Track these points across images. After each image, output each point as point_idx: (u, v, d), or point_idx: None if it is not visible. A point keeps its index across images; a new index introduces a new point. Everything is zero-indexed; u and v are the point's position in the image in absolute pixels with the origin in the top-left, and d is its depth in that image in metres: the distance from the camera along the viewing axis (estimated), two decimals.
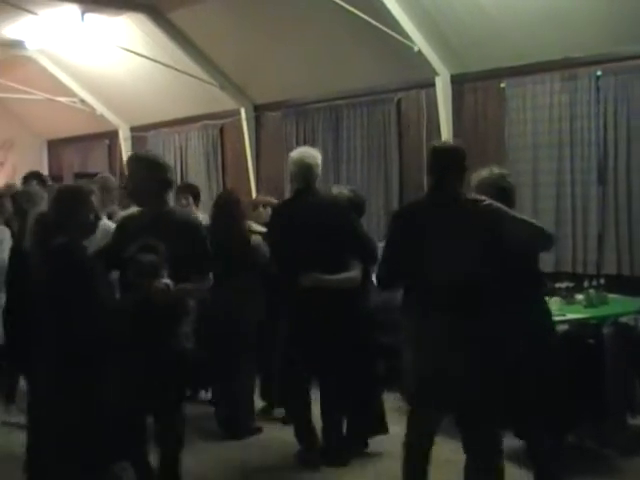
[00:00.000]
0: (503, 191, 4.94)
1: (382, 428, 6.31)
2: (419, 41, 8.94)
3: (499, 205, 4.62)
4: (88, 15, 10.77)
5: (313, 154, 6.24)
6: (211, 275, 5.20)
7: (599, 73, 8.15)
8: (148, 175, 5.09)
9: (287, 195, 11.12)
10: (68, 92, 13.94)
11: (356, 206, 6.36)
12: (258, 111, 12.06)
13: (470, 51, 8.98)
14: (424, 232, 4.64)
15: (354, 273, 5.92)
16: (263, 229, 7.00)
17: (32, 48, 12.84)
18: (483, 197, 4.66)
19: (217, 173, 12.72)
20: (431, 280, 4.56)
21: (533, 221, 4.89)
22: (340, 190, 6.50)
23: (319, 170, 6.17)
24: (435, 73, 9.31)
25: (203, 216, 7.85)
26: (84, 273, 4.73)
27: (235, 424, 6.99)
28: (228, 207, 7.05)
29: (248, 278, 6.89)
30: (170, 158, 13.45)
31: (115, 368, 4.78)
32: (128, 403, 4.86)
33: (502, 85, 8.98)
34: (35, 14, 10.34)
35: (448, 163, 4.72)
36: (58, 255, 4.75)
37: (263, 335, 7.01)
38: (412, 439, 4.82)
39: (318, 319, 5.82)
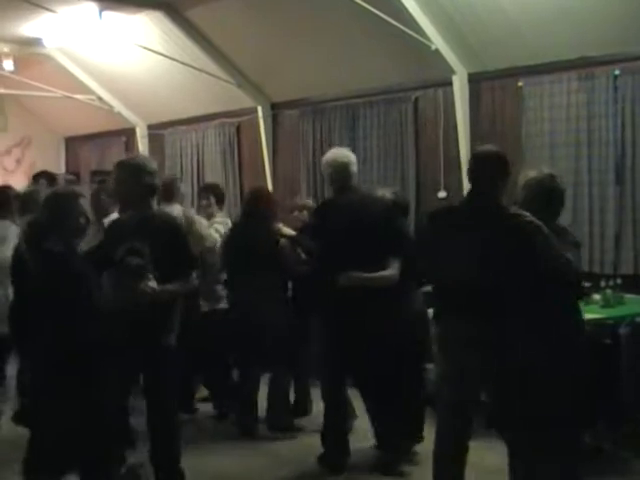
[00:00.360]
0: (550, 192, 4.87)
1: (419, 436, 6.28)
2: (437, 40, 8.92)
3: (538, 225, 4.52)
4: (106, 13, 10.78)
5: (346, 153, 6.30)
6: (194, 275, 5.49)
7: (617, 72, 8.11)
8: (132, 180, 5.37)
9: (303, 194, 11.16)
10: (86, 90, 13.98)
11: (400, 208, 6.37)
12: (275, 109, 12.06)
13: (488, 50, 8.96)
14: (453, 238, 4.62)
15: (391, 272, 5.85)
16: (292, 232, 7.04)
17: (50, 46, 12.86)
18: (525, 213, 4.58)
19: (233, 171, 12.71)
20: (455, 284, 4.55)
21: (566, 256, 4.63)
22: (383, 193, 6.48)
23: (355, 168, 6.21)
24: (452, 72, 9.29)
25: (222, 219, 7.87)
26: (73, 274, 4.83)
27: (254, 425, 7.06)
28: (258, 205, 7.10)
29: (272, 278, 6.93)
30: (187, 156, 13.53)
31: (109, 367, 4.91)
32: (120, 402, 5.13)
33: (519, 84, 8.94)
34: (53, 12, 10.37)
35: (487, 170, 4.68)
36: (49, 257, 4.83)
37: (292, 335, 7.05)
38: (440, 445, 4.80)
39: (358, 320, 5.76)
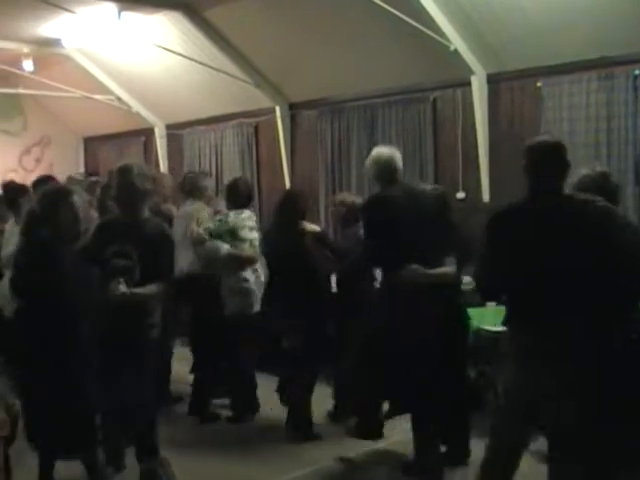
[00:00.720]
0: (604, 190, 4.71)
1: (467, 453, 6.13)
2: (455, 40, 8.90)
3: (612, 207, 4.38)
4: (125, 13, 10.81)
5: (388, 150, 6.29)
6: (169, 281, 5.79)
7: (637, 72, 8.06)
8: (126, 185, 5.67)
9: (321, 194, 11.17)
10: (105, 90, 14.02)
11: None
12: (293, 109, 12.07)
13: (506, 50, 8.93)
14: (529, 238, 4.38)
15: (451, 269, 5.79)
16: (317, 228, 7.04)
17: (69, 46, 12.91)
18: (596, 197, 4.41)
19: (252, 171, 12.71)
20: (537, 290, 4.32)
21: None
22: (424, 187, 6.45)
23: (400, 163, 6.19)
24: (471, 72, 9.27)
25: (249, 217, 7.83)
26: (56, 265, 5.20)
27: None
28: (286, 207, 7.14)
29: (305, 278, 6.97)
30: (205, 156, 13.56)
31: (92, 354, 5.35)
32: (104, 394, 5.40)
33: (538, 84, 8.90)
34: (72, 12, 10.40)
35: (549, 161, 4.46)
36: (36, 246, 5.29)
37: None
38: (493, 456, 4.61)
39: (420, 318, 5.63)
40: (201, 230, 7.58)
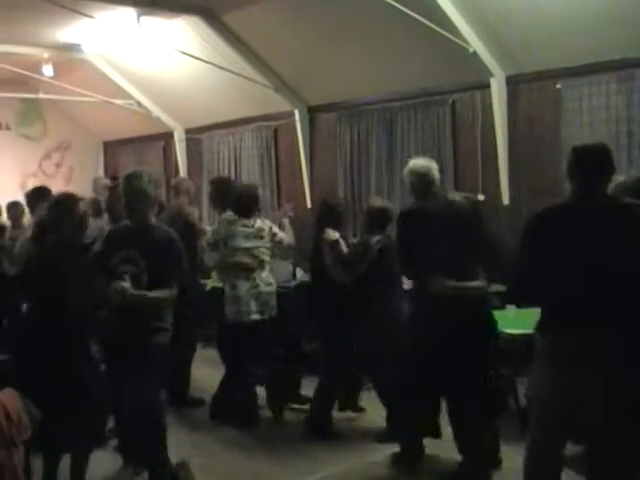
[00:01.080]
0: (637, 195, 4.68)
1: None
2: (474, 42, 8.88)
3: None
4: (144, 18, 10.84)
5: (424, 162, 6.37)
6: (175, 287, 5.75)
7: None
8: (132, 193, 5.74)
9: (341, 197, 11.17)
10: (124, 95, 14.09)
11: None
12: (312, 113, 12.08)
13: (525, 52, 8.91)
14: (573, 240, 4.33)
15: (482, 282, 5.74)
16: (334, 237, 7.10)
17: (89, 51, 12.98)
18: (638, 201, 4.39)
19: (271, 174, 12.73)
20: (581, 291, 4.27)
21: None
22: (453, 196, 6.41)
23: (437, 174, 6.29)
24: (490, 74, 9.25)
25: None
26: (63, 270, 5.42)
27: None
28: (320, 214, 7.34)
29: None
30: (224, 160, 13.59)
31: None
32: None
33: (557, 86, 8.87)
34: (92, 18, 10.44)
35: (595, 164, 4.44)
36: (44, 253, 5.55)
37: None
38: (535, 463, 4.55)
39: (450, 329, 5.61)
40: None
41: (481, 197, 9.54)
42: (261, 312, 7.41)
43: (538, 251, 4.45)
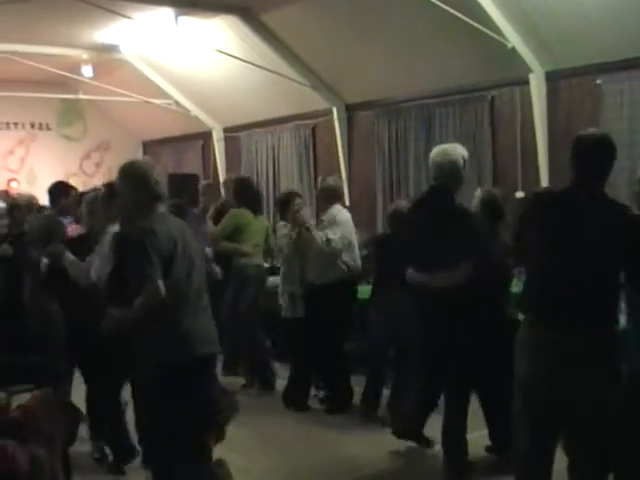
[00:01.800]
0: None
1: None
2: (513, 38, 8.82)
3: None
4: (182, 18, 10.90)
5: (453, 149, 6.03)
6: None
7: None
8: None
9: (378, 195, 11.15)
10: (163, 94, 14.17)
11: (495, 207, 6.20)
12: (350, 110, 12.06)
13: (565, 47, 8.82)
14: (555, 225, 4.26)
15: (458, 272, 5.58)
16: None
17: (127, 52, 13.08)
18: (628, 206, 4.32)
19: (309, 173, 12.74)
20: (548, 284, 4.22)
21: None
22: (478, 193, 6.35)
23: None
24: (529, 70, 9.18)
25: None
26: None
27: None
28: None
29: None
30: (262, 158, 13.62)
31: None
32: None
33: (598, 82, 8.78)
34: (130, 18, 10.52)
35: (592, 156, 4.34)
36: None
37: None
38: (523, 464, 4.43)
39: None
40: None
41: (520, 194, 9.46)
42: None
43: (527, 229, 4.44)
